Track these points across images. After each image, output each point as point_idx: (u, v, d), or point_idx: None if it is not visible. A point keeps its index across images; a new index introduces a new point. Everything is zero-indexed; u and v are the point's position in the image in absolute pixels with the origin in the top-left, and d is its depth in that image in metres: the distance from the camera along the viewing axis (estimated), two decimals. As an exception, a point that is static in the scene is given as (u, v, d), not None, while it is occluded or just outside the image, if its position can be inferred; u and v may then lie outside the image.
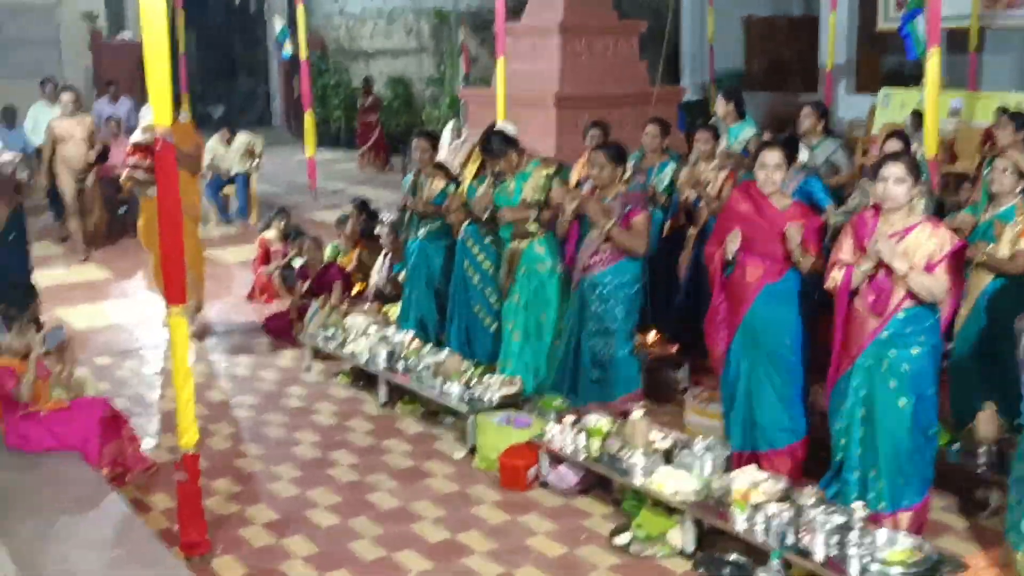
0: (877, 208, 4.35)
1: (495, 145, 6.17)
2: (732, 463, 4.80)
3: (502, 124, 7.58)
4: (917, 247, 4.21)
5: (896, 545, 3.96)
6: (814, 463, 4.86)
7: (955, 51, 11.98)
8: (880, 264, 4.21)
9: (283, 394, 6.66)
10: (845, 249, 4.42)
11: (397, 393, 6.36)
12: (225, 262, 10.27)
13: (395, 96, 18.63)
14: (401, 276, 7.73)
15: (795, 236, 4.66)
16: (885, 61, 15.16)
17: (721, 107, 7.87)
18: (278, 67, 21.20)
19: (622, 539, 4.56)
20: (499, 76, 9.12)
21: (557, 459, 5.13)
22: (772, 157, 4.81)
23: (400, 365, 6.27)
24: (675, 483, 4.53)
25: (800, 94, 14.07)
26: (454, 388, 5.80)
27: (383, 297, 8.24)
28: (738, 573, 4.20)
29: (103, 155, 10.80)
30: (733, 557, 4.28)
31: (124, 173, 7.62)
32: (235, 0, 20.46)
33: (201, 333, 7.74)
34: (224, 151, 12.23)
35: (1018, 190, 5.11)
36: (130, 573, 4.05)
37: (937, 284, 4.18)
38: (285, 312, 8.07)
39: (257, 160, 12.40)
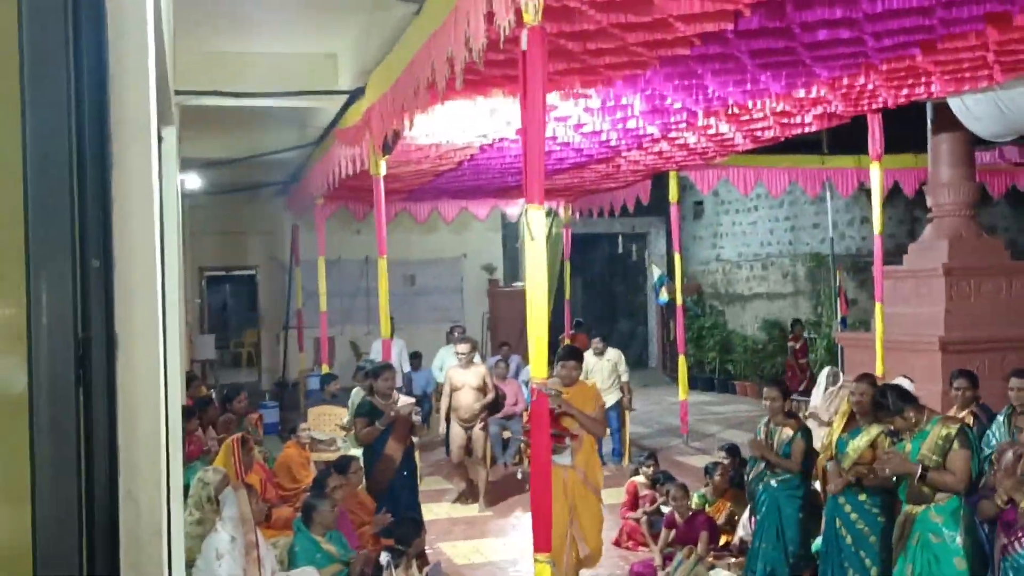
0: None
1: (891, 401, 5.77)
2: None
3: (900, 380, 7.32)
4: None
5: None
6: None
7: None
8: None
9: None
10: None
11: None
12: (596, 503, 10.42)
13: (770, 339, 18.57)
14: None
15: None
16: None
17: None
18: (655, 311, 22.03)
19: None
20: (878, 321, 8.86)
21: None
22: None
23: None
24: None
25: None
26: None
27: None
28: None
29: (495, 405, 10.87)
30: None
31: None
32: (617, 249, 21.80)
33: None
34: (595, 362, 12.08)
35: None
36: None
37: None
38: (650, 560, 8.00)
39: (629, 395, 12.42)
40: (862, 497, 6.05)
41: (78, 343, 1.70)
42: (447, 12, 5.54)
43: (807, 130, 9.82)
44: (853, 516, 6.08)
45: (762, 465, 6.96)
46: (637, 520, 8.84)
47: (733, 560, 7.59)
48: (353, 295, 18.74)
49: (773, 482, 6.83)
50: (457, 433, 10.43)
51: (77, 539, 1.61)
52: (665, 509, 8.62)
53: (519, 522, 9.75)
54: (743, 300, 20.26)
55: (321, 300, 13.46)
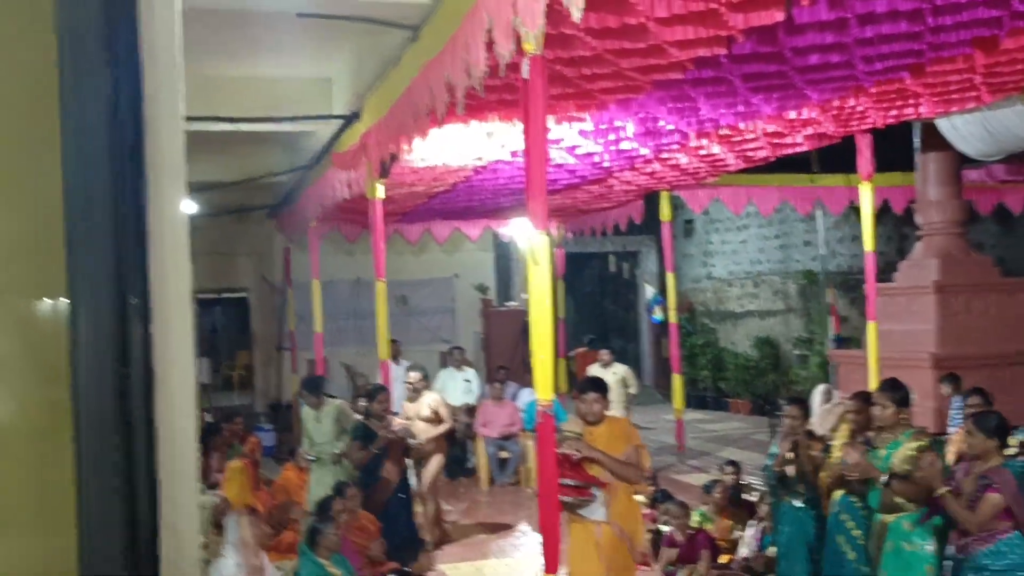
0: None
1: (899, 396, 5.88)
2: None
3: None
4: None
5: None
6: None
7: None
8: None
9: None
10: None
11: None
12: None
13: (762, 356, 18.67)
14: (770, 550, 7.47)
15: None
16: None
17: None
18: (648, 329, 22.10)
19: None
20: (870, 339, 8.95)
21: None
22: None
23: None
24: None
25: None
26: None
27: (751, 572, 7.92)
28: None
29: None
30: None
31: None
32: (609, 268, 21.88)
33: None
34: (601, 375, 11.71)
35: None
36: None
37: None
38: (651, 579, 8.03)
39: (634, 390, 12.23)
40: (864, 513, 6.10)
41: (118, 378, 1.76)
42: (446, 40, 5.63)
43: (798, 150, 9.95)
44: (856, 533, 6.13)
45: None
46: (636, 539, 8.86)
47: (733, 579, 7.63)
48: (345, 316, 18.77)
49: (796, 501, 6.68)
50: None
51: (122, 572, 1.66)
52: (665, 528, 8.65)
53: (520, 542, 9.78)
54: (735, 318, 20.36)
55: (316, 321, 13.49)
